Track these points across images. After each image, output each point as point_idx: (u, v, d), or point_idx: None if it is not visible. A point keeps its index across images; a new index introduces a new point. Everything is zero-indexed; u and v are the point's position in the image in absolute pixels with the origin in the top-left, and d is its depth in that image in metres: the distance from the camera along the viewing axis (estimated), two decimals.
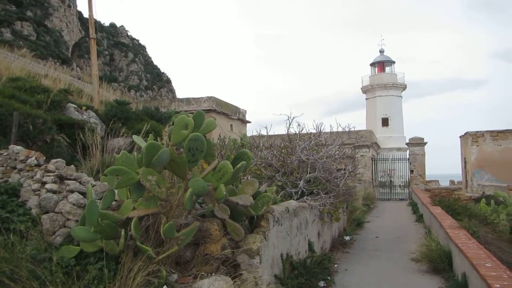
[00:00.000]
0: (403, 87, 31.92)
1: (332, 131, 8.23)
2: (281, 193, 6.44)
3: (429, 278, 5.79)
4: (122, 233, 3.57)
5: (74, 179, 5.12)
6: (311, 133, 8.13)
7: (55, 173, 4.98)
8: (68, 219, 4.47)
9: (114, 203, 4.36)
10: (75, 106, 11.71)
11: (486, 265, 4.14)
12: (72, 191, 4.93)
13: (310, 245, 5.97)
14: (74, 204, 4.19)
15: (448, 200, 10.79)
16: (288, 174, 7.34)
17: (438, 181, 26.59)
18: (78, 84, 20.81)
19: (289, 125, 7.88)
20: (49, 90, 11.17)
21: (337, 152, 8.31)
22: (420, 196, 13.95)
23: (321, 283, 5.19)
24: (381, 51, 33.31)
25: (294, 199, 6.48)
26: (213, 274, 3.87)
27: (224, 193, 3.56)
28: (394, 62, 32.86)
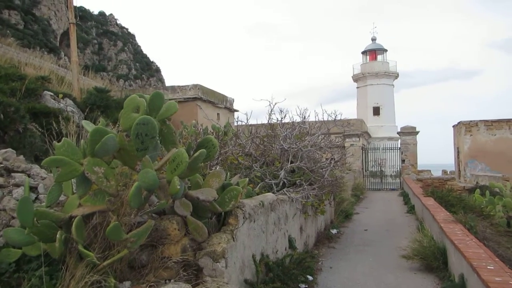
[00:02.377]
0: (395, 76, 31.39)
1: (317, 119, 7.65)
2: (259, 184, 5.86)
3: (422, 277, 5.27)
4: (58, 235, 3.00)
5: (22, 172, 4.52)
6: (294, 122, 7.55)
7: (1, 165, 4.38)
8: (13, 217, 3.90)
9: (63, 198, 3.78)
10: (52, 94, 11.04)
11: (488, 267, 3.61)
12: (18, 185, 4.33)
13: (290, 241, 5.41)
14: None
15: (441, 191, 10.31)
16: (270, 164, 6.77)
17: (430, 170, 26.26)
18: (62, 72, 20.06)
19: (271, 111, 7.28)
20: (26, 77, 10.52)
21: (323, 140, 7.74)
22: (412, 186, 13.48)
23: (302, 286, 4.65)
24: (373, 39, 32.68)
25: (274, 191, 5.93)
26: (171, 280, 3.31)
27: (178, 187, 2.96)
28: (386, 51, 32.27)
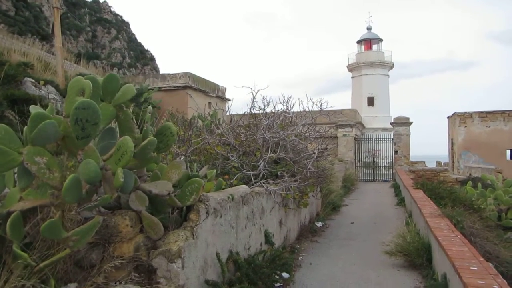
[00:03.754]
0: (390, 66, 30.98)
1: (302, 108, 7.30)
2: (237, 175, 5.54)
3: (405, 274, 4.99)
4: None
5: None
6: (277, 111, 7.21)
7: None
8: None
9: (7, 191, 3.44)
10: (33, 80, 10.64)
11: (472, 268, 3.31)
12: None
13: (267, 236, 5.10)
14: None
15: (432, 183, 10.03)
16: (251, 154, 6.44)
17: (424, 162, 26.07)
18: (51, 59, 19.59)
19: (253, 99, 6.93)
20: (7, 63, 10.11)
21: (308, 130, 7.40)
22: (403, 178, 13.21)
23: (276, 285, 4.36)
24: (369, 28, 32.19)
25: (252, 183, 5.61)
26: (122, 283, 3.00)
27: (122, 179, 2.62)
28: (381, 40, 31.81)
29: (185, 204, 3.38)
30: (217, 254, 3.61)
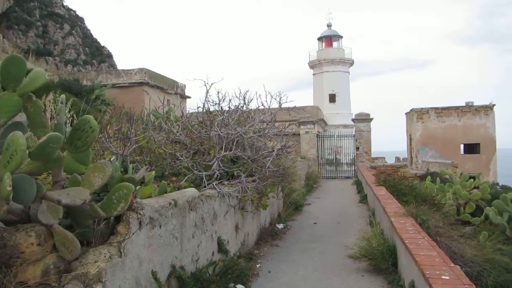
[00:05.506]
0: (351, 63, 31.22)
1: (260, 102, 6.80)
2: (187, 177, 4.96)
3: (369, 280, 4.61)
4: None
5: None
6: (234, 106, 6.68)
7: None
8: None
9: None
10: None
11: (443, 277, 2.94)
12: None
13: (220, 244, 4.57)
14: None
15: (393, 179, 9.86)
16: (205, 153, 5.88)
17: (384, 158, 26.39)
18: None
19: (207, 93, 6.36)
20: None
21: (268, 127, 6.93)
22: (365, 174, 13.06)
23: None
24: (329, 25, 32.29)
25: (205, 185, 5.06)
26: None
27: (9, 188, 2.01)
28: (341, 37, 32.00)
29: (111, 215, 2.79)
30: (153, 273, 3.03)
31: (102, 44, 67.77)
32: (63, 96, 2.75)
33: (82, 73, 22.24)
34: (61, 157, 2.56)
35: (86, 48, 61.83)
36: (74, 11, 67.25)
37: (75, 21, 64.86)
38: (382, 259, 4.66)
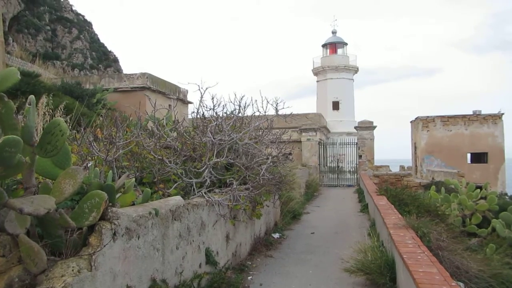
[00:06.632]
0: (355, 70, 30.99)
1: (256, 108, 6.59)
2: (176, 184, 4.76)
3: None
4: None
5: None
6: (230, 112, 6.49)
7: None
8: None
9: None
10: None
11: None
12: None
13: (208, 255, 4.34)
14: None
15: (395, 189, 9.59)
16: (198, 159, 5.68)
17: (388, 166, 26.08)
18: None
19: (201, 97, 6.17)
20: None
21: (264, 133, 6.72)
22: (366, 183, 12.79)
23: None
24: (334, 32, 32.14)
25: (195, 193, 4.85)
26: None
27: None
28: (346, 44, 31.83)
29: (82, 225, 2.59)
30: (129, 287, 2.82)
31: (109, 49, 68.15)
32: (31, 96, 2.57)
33: (84, 76, 22.21)
34: (23, 162, 2.36)
35: (93, 53, 62.16)
36: (83, 16, 67.71)
37: (83, 26, 65.31)
38: (380, 273, 4.40)
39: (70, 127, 5.56)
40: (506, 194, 15.83)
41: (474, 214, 9.48)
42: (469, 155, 21.59)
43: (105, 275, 2.59)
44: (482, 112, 21.37)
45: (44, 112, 6.24)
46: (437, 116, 21.77)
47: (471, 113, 21.55)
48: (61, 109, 6.55)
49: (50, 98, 6.86)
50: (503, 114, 21.05)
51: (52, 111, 5.95)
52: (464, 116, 21.50)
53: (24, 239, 2.37)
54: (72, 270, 2.37)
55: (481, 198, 9.86)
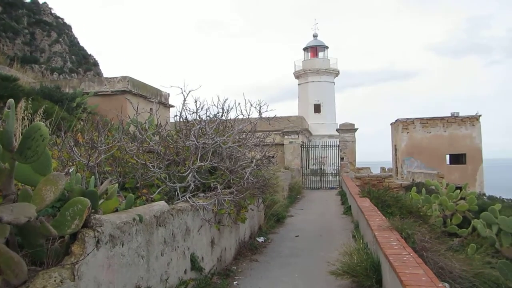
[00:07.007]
0: (336, 73, 31.33)
1: (239, 111, 6.56)
2: (160, 188, 4.68)
3: None
4: None
5: None
6: (213, 115, 6.44)
7: None
8: None
9: None
10: None
11: None
12: None
13: (193, 261, 4.28)
14: None
15: (378, 190, 9.69)
16: (181, 163, 5.61)
17: (369, 168, 26.35)
18: None
19: (184, 100, 6.10)
20: None
21: (247, 136, 6.69)
22: (349, 185, 12.89)
23: None
24: (315, 36, 32.42)
25: (179, 197, 4.78)
26: None
27: None
28: (327, 47, 32.16)
29: (65, 233, 2.51)
30: None
31: (89, 52, 67.06)
32: (11, 100, 2.48)
33: (64, 80, 21.76)
34: (2, 168, 2.27)
35: (73, 56, 61.12)
36: (62, 19, 66.51)
37: (62, 29, 64.13)
38: (366, 276, 4.42)
39: (50, 131, 5.41)
40: (484, 194, 16.18)
41: (455, 215, 9.65)
42: (448, 156, 22.01)
43: (89, 285, 2.51)
44: (460, 114, 21.84)
45: (23, 117, 6.06)
46: (416, 118, 22.14)
47: (450, 115, 22.00)
48: (40, 114, 6.38)
49: (29, 102, 6.68)
50: (480, 115, 21.55)
51: (31, 116, 5.77)
52: (442, 118, 21.92)
53: (3, 249, 2.28)
54: (54, 281, 2.29)
55: (461, 198, 10.05)
